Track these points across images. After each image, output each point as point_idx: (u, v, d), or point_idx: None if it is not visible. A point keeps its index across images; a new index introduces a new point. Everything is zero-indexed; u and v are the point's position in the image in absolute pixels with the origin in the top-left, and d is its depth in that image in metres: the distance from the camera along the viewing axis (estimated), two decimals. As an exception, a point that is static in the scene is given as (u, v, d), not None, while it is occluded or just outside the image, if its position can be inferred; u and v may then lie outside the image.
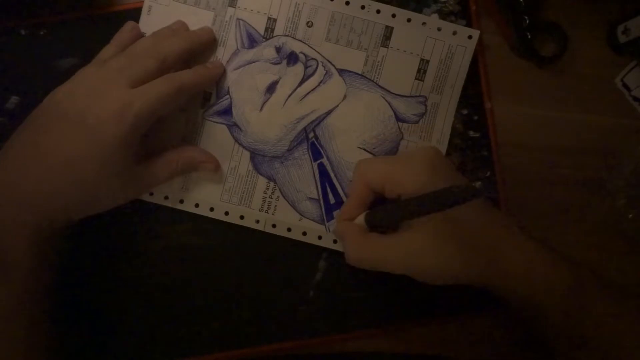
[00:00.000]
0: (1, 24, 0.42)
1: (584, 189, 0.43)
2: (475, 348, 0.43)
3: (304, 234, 0.42)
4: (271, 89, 0.42)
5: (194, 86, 0.39)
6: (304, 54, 0.42)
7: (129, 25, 0.40)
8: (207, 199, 0.42)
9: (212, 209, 0.42)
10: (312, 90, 0.42)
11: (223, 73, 0.41)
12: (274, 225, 0.42)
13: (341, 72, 0.42)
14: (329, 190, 0.42)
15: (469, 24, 0.43)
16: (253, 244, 0.42)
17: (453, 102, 0.42)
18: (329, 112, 0.42)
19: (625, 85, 0.44)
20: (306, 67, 0.42)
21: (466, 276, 0.35)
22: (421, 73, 0.42)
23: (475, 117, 0.43)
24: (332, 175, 0.42)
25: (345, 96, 0.42)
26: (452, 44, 0.42)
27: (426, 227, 0.34)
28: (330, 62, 0.42)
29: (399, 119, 0.42)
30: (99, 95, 0.35)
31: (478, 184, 0.27)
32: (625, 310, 0.35)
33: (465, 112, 0.43)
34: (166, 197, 0.42)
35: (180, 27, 0.40)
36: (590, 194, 0.43)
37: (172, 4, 0.41)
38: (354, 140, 0.42)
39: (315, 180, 0.42)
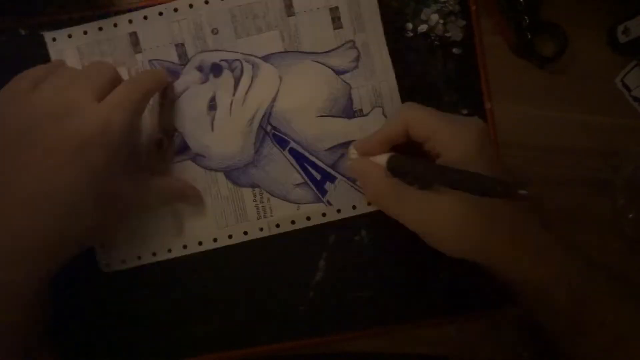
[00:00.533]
0: (1, 24, 0.41)
1: (584, 189, 0.43)
2: (475, 348, 0.43)
3: (308, 218, 0.42)
4: (212, 106, 0.41)
5: (156, 85, 0.38)
6: (224, 61, 0.41)
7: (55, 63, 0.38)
8: (206, 233, 0.42)
9: (215, 240, 0.42)
10: (249, 88, 0.42)
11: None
12: (277, 225, 0.42)
13: (266, 58, 0.42)
14: (310, 169, 0.42)
15: (469, 24, 0.43)
16: (252, 244, 0.42)
17: (379, 32, 0.42)
18: (273, 100, 0.42)
19: (625, 85, 0.44)
20: (232, 70, 0.41)
21: (479, 253, 0.34)
22: (336, 21, 0.42)
23: (475, 117, 0.43)
24: (306, 154, 0.42)
25: (280, 78, 0.42)
26: None
27: (454, 193, 0.33)
28: (251, 55, 0.42)
29: (338, 72, 0.42)
30: (68, 115, 0.31)
31: (522, 188, 0.26)
32: (635, 305, 0.35)
33: (465, 112, 0.43)
34: (169, 250, 0.41)
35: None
36: (590, 194, 0.43)
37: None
38: (309, 113, 0.42)
39: (294, 166, 0.42)
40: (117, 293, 0.42)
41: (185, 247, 0.41)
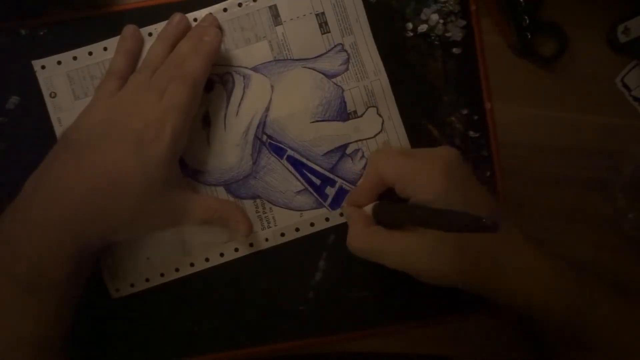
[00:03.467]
0: (1, 24, 0.41)
1: (584, 189, 0.43)
2: (475, 348, 0.43)
3: (312, 224, 0.42)
4: (206, 121, 0.41)
5: (205, 72, 0.38)
6: (215, 75, 0.41)
7: (128, 30, 0.40)
8: (213, 249, 0.41)
9: (222, 255, 0.42)
10: (242, 99, 0.42)
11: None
12: (282, 234, 0.42)
13: (256, 68, 0.42)
14: (309, 175, 0.42)
15: (469, 24, 0.43)
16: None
17: (367, 33, 0.42)
18: (267, 110, 0.42)
19: (625, 85, 0.44)
20: (224, 84, 0.41)
21: (461, 284, 0.35)
22: (324, 26, 0.42)
23: (475, 117, 0.43)
24: (304, 160, 0.42)
25: (272, 87, 0.42)
26: None
27: (424, 231, 0.34)
28: (242, 67, 0.42)
29: (330, 76, 0.42)
30: (136, 114, 0.36)
31: (491, 220, 0.27)
32: (628, 313, 0.35)
33: (465, 112, 0.43)
34: (177, 270, 0.41)
35: (187, 29, 0.40)
36: (590, 194, 0.43)
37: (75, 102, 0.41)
38: (304, 119, 0.42)
39: (293, 174, 0.42)
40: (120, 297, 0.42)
41: (192, 265, 0.41)
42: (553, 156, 0.44)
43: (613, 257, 0.43)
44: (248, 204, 0.42)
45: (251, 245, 0.42)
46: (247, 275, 0.42)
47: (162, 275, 0.41)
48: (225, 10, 0.42)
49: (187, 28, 0.40)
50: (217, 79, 0.42)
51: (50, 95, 0.41)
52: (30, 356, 0.33)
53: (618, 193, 0.43)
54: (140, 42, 0.40)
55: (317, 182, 0.42)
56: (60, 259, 0.34)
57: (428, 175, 0.35)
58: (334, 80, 0.42)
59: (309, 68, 0.42)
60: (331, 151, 0.42)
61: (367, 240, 0.36)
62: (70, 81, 0.41)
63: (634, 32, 0.42)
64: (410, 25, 0.43)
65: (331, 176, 0.42)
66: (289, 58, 0.42)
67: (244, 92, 0.42)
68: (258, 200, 0.42)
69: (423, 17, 0.42)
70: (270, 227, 0.42)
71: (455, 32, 0.43)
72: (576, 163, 0.44)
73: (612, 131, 0.44)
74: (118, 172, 0.35)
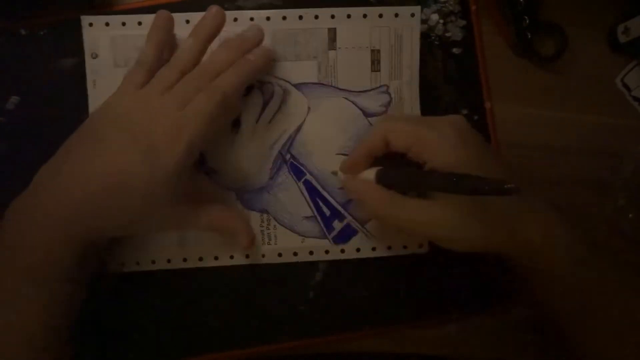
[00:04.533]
0: (1, 24, 0.41)
1: (584, 189, 0.43)
2: (475, 348, 0.43)
3: (311, 253, 0.41)
4: (236, 124, 0.41)
5: (238, 92, 0.37)
6: (257, 81, 0.41)
7: (161, 16, 0.38)
8: (208, 250, 0.41)
9: (216, 258, 0.41)
10: (276, 112, 0.41)
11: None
12: (280, 255, 0.41)
13: (298, 86, 0.41)
14: (321, 204, 0.41)
15: (469, 24, 0.43)
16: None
17: (414, 82, 0.42)
18: (298, 129, 0.41)
19: (625, 85, 0.44)
20: (263, 92, 0.41)
21: (485, 247, 0.35)
22: (375, 64, 0.42)
23: (475, 117, 0.43)
24: (319, 188, 0.41)
25: (309, 109, 0.41)
26: (398, 27, 0.41)
27: (446, 197, 0.34)
28: (285, 80, 0.41)
29: (367, 114, 0.42)
30: (154, 119, 0.35)
31: (514, 184, 0.27)
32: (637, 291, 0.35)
33: (465, 112, 0.43)
34: (169, 261, 0.41)
35: (222, 24, 0.39)
36: (591, 194, 0.43)
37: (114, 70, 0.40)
38: (331, 148, 0.41)
39: (306, 199, 0.41)
40: (117, 292, 0.42)
41: (185, 260, 0.41)
42: (553, 156, 0.44)
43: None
44: (254, 216, 0.41)
45: (247, 256, 0.41)
46: (247, 275, 0.42)
47: (153, 262, 0.41)
48: (284, 18, 0.41)
49: (222, 23, 0.38)
50: (258, 86, 0.41)
51: (91, 55, 0.40)
52: (40, 347, 0.33)
53: (618, 193, 0.43)
54: (171, 31, 0.39)
55: (327, 212, 0.41)
56: (69, 253, 0.34)
57: (445, 140, 0.35)
58: (370, 119, 0.42)
59: (350, 101, 0.42)
60: None
61: (394, 207, 0.35)
62: (113, 45, 0.40)
63: (634, 32, 0.42)
64: (410, 25, 0.43)
65: (342, 211, 0.42)
66: (333, 85, 0.41)
67: (280, 106, 0.41)
68: (265, 215, 0.41)
69: (423, 17, 0.42)
70: (270, 244, 0.41)
71: (455, 32, 0.43)
72: (576, 163, 0.44)
73: (612, 131, 0.44)
74: (128, 174, 0.34)
